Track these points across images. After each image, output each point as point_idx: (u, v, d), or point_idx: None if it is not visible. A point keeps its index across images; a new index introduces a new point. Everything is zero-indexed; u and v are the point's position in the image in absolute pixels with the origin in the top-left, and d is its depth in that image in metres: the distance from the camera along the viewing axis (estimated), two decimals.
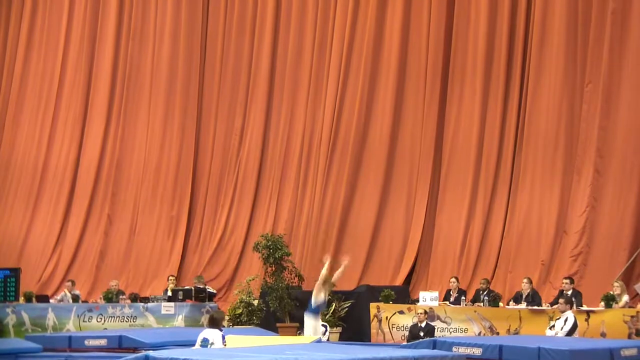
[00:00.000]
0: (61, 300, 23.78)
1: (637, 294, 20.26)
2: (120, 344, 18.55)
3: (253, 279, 24.14)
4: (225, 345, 15.08)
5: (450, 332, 20.57)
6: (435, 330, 20.30)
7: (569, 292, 19.88)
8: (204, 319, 22.24)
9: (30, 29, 30.77)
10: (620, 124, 22.83)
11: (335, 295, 22.76)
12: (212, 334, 15.03)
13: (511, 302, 21.06)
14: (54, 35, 30.52)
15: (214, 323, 15.30)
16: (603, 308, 19.25)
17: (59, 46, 30.40)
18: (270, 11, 28.29)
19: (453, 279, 22.41)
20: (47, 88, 30.29)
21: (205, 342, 14.86)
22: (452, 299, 21.92)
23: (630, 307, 19.47)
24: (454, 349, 15.49)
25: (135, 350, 17.23)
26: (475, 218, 24.64)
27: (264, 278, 23.52)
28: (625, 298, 19.61)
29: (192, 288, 23.99)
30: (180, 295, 23.50)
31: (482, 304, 21.08)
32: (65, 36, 30.38)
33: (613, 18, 23.01)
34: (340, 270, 17.89)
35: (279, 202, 27.33)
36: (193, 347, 15.18)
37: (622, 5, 22.98)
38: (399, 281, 24.79)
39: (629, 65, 22.86)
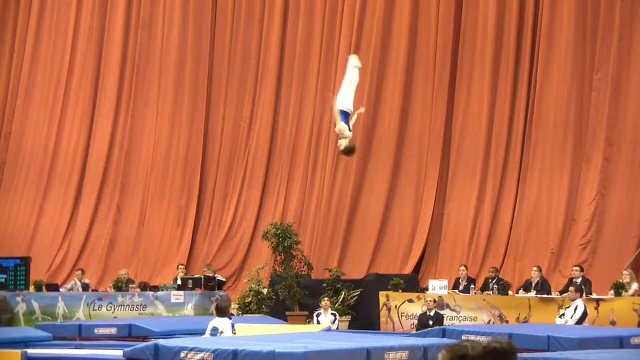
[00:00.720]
0: (71, 289, 23.84)
1: None
2: (130, 332, 18.60)
3: (262, 268, 24.17)
4: (234, 333, 15.14)
5: (460, 321, 20.60)
6: (445, 318, 20.34)
7: (579, 280, 19.90)
8: (214, 307, 22.26)
9: (40, 17, 30.77)
10: (629, 112, 22.82)
11: (345, 284, 22.80)
12: (222, 323, 15.09)
13: (520, 291, 21.08)
14: (63, 23, 30.52)
15: (222, 311, 15.35)
16: (612, 296, 19.27)
17: (68, 34, 30.40)
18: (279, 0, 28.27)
19: (462, 267, 22.43)
20: (57, 77, 30.31)
21: (214, 331, 14.92)
22: (461, 288, 21.94)
23: (639, 295, 19.47)
24: (463, 337, 15.51)
25: (145, 338, 17.27)
26: (484, 206, 24.64)
27: (273, 266, 23.56)
28: (635, 286, 19.61)
29: (202, 276, 24.00)
30: (190, 283, 23.51)
31: (491, 292, 21.10)
32: (74, 24, 30.36)
33: (622, 5, 22.98)
34: (354, 118, 15.15)
35: (288, 190, 27.33)
36: (203, 336, 15.24)
37: None
38: (408, 269, 24.79)
39: (638, 54, 22.83)
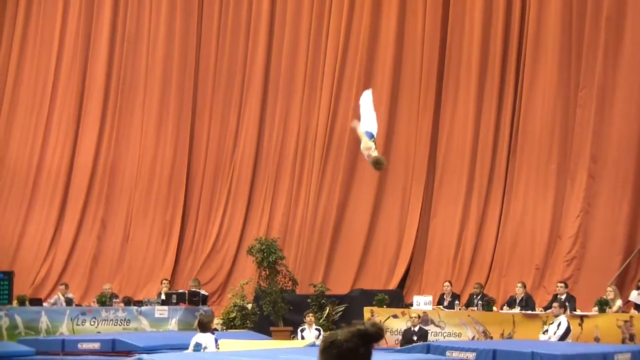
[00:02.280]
0: (55, 303, 23.74)
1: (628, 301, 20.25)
2: (114, 347, 18.57)
3: (247, 283, 24.13)
4: (218, 349, 15.09)
5: (444, 337, 20.57)
6: (429, 334, 20.31)
7: (563, 297, 19.90)
8: (196, 322, 22.21)
9: (25, 30, 30.74)
10: (614, 129, 22.87)
11: (329, 299, 22.77)
12: (205, 338, 15.04)
13: (505, 307, 21.08)
14: (48, 37, 30.49)
15: (204, 327, 15.32)
16: (597, 313, 19.25)
17: (53, 48, 30.37)
18: (265, 14, 28.28)
19: (447, 283, 22.43)
20: (41, 90, 30.26)
21: (198, 347, 14.87)
22: (445, 303, 21.93)
23: (623, 311, 19.49)
24: (447, 353, 15.51)
25: (128, 353, 17.23)
26: (469, 222, 24.66)
27: (257, 282, 23.51)
28: (619, 303, 19.63)
29: (186, 292, 23.96)
30: (174, 298, 23.47)
31: (475, 308, 21.09)
32: (59, 38, 30.34)
33: (607, 24, 23.05)
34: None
35: (273, 205, 27.31)
36: (186, 351, 15.20)
37: (616, 11, 23.03)
38: (392, 285, 24.78)
39: (623, 71, 22.90)
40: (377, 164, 14.85)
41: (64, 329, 21.98)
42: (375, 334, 4.57)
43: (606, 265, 22.09)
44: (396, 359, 14.06)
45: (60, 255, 28.59)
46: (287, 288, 23.32)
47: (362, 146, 14.91)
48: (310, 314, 20.78)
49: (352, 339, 4.50)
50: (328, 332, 4.71)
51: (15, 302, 22.54)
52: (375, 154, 14.67)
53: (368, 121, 15.05)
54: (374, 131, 14.93)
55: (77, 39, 30.19)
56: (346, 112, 26.56)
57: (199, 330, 15.59)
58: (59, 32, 30.39)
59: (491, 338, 20.04)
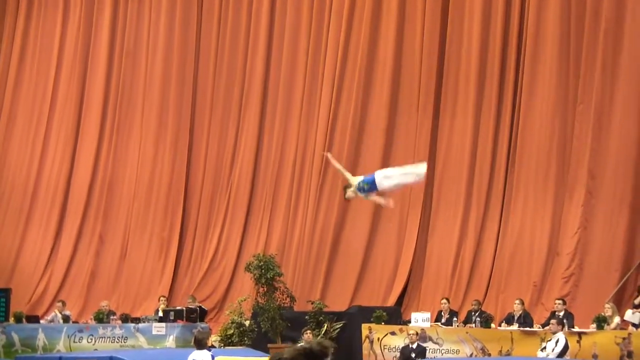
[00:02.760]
0: (52, 320, 23.70)
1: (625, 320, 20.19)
2: None
3: (245, 300, 24.04)
4: None
5: (442, 354, 20.50)
6: (427, 351, 20.25)
7: (561, 313, 19.84)
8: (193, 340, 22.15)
9: (23, 45, 30.78)
10: (611, 144, 22.82)
11: (327, 316, 22.70)
12: (202, 355, 14.97)
13: (503, 324, 21.02)
14: (47, 52, 30.51)
15: (200, 344, 15.25)
16: (595, 330, 19.19)
17: (51, 63, 30.39)
18: (263, 29, 28.25)
19: (444, 300, 22.36)
20: (39, 105, 30.27)
21: None
22: (443, 320, 21.86)
23: (622, 328, 19.42)
24: None
25: None
26: (467, 239, 24.59)
27: (255, 298, 23.41)
28: (617, 320, 19.56)
29: (184, 308, 23.90)
30: (172, 315, 23.40)
31: (473, 325, 21.02)
32: (58, 52, 30.38)
33: (605, 38, 23.03)
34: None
35: (271, 222, 27.25)
36: None
37: (615, 25, 23.00)
38: (390, 302, 24.70)
39: (621, 86, 22.87)
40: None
41: (61, 346, 21.96)
42: (320, 353, 4.67)
43: (604, 282, 22.03)
44: None
45: (58, 272, 28.54)
46: (285, 305, 23.24)
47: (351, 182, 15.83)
48: (308, 331, 20.72)
49: (297, 358, 4.61)
50: (274, 353, 4.95)
51: (12, 319, 22.53)
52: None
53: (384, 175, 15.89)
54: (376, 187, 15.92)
55: (76, 51, 30.20)
56: (344, 127, 26.54)
57: (196, 347, 15.52)
58: (57, 44, 30.42)
59: (489, 355, 19.97)
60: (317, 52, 27.46)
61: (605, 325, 19.24)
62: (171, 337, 22.91)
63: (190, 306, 24.12)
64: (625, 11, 23.05)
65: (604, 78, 22.98)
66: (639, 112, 22.63)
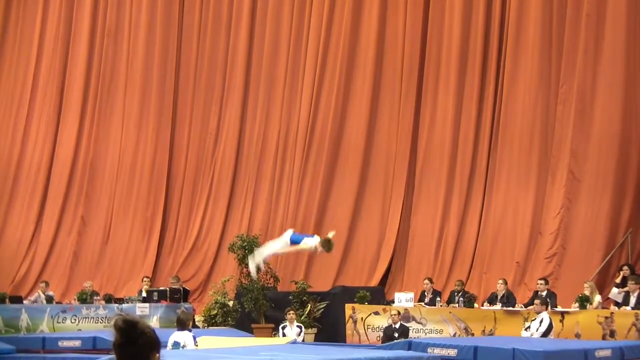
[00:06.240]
0: (35, 301, 23.65)
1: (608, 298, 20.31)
2: (95, 345, 18.47)
3: (228, 280, 24.07)
4: (197, 346, 15.03)
5: (426, 333, 20.57)
6: (410, 331, 20.31)
7: (544, 293, 19.94)
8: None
9: (4, 26, 30.58)
10: (594, 125, 22.91)
11: (311, 296, 22.74)
12: (183, 336, 14.96)
13: (486, 303, 21.11)
14: (28, 33, 30.34)
15: (182, 324, 15.24)
16: (577, 309, 19.30)
17: (32, 44, 30.22)
18: (246, 10, 28.20)
19: (426, 281, 22.42)
20: (21, 86, 30.11)
21: (176, 346, 14.76)
22: (427, 300, 21.93)
23: (603, 307, 19.54)
24: (429, 350, 15.51)
25: (109, 351, 17.10)
26: (450, 219, 24.67)
27: (239, 279, 23.44)
28: (598, 298, 19.67)
29: (167, 289, 23.91)
30: (155, 296, 23.41)
31: (457, 305, 21.11)
32: (39, 35, 30.20)
33: (587, 20, 23.08)
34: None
35: (254, 202, 27.26)
36: (165, 350, 15.11)
37: (597, 8, 23.06)
38: (374, 282, 24.77)
39: (604, 68, 22.94)
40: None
41: (45, 327, 21.89)
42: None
43: (587, 261, 22.15)
44: (377, 356, 14.04)
45: (41, 253, 28.47)
46: (269, 285, 23.27)
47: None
48: (292, 311, 20.74)
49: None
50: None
51: None
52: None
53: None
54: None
55: (58, 34, 30.04)
56: (327, 110, 26.56)
57: (177, 328, 15.50)
58: (39, 26, 30.24)
59: (472, 335, 20.07)
60: (300, 36, 27.43)
61: (588, 304, 19.35)
62: (155, 317, 22.90)
63: (173, 286, 24.11)
64: None
65: (586, 59, 23.05)
66: (621, 93, 22.70)
